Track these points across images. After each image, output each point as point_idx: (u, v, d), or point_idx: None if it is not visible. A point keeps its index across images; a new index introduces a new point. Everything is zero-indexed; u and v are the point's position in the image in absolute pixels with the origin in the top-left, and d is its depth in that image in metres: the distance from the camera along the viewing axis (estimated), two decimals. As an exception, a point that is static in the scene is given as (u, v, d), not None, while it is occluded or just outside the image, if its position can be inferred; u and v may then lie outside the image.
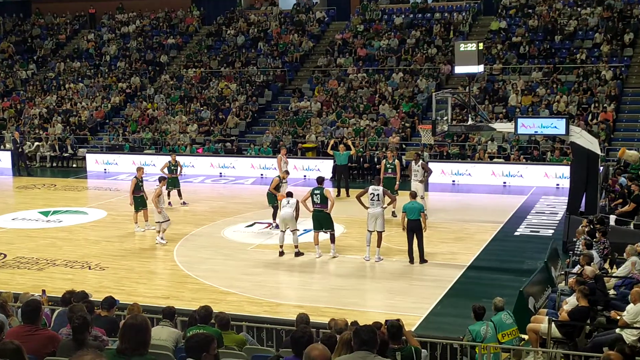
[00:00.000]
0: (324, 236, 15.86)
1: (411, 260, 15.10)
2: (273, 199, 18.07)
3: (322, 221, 15.53)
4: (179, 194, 21.65)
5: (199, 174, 27.14)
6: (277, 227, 17.45)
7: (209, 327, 8.16)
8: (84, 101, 35.09)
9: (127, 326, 5.29)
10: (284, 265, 15.49)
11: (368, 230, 15.39)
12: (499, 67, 30.48)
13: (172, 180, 21.36)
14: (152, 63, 37.17)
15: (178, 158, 22.64)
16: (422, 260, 15.10)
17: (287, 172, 19.63)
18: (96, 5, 41.81)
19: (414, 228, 14.88)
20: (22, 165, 29.10)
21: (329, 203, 15.45)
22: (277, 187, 18.04)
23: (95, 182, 27.38)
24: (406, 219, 14.86)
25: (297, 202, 15.85)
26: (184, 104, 33.20)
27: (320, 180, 15.94)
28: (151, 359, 5.23)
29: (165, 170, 21.33)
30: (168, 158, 22.71)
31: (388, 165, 19.83)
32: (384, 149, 25.59)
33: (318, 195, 15.48)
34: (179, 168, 21.86)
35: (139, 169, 18.95)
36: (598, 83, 28.11)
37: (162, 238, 17.19)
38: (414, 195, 15.51)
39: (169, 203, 21.20)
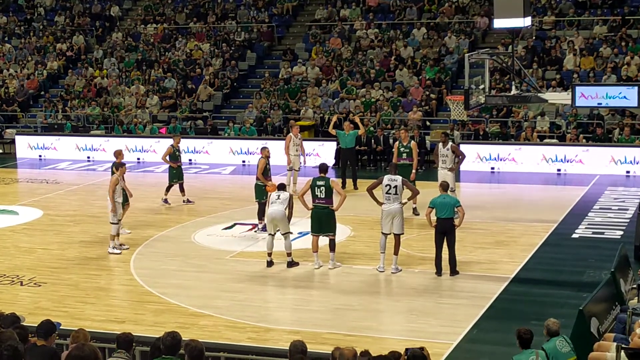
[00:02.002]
0: (324, 241, 15.85)
1: (439, 272, 15.13)
2: (262, 194, 17.94)
3: (324, 221, 15.52)
4: (181, 189, 21.29)
5: (162, 160, 27.00)
6: (264, 229, 17.45)
7: (176, 359, 8.18)
8: (12, 67, 35.01)
9: (71, 358, 5.30)
10: (273, 279, 15.50)
11: (382, 233, 15.41)
12: (551, 19, 30.41)
13: (176, 171, 21.17)
14: (100, 17, 37.06)
15: (165, 141, 21.72)
16: (454, 272, 15.13)
17: (261, 155, 18.38)
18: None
19: (446, 229, 14.91)
20: None
21: (339, 198, 15.44)
22: (265, 172, 17.97)
23: (27, 173, 27.34)
24: (435, 217, 14.89)
25: (291, 197, 15.84)
26: (142, 70, 33.15)
27: (324, 168, 15.94)
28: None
29: (168, 158, 21.14)
30: (169, 142, 22.34)
31: (402, 149, 19.77)
32: (401, 127, 25.56)
33: (322, 188, 15.45)
34: (182, 155, 21.73)
35: (119, 153, 18.53)
36: (680, 40, 28.17)
37: (119, 245, 17.12)
38: (445, 186, 15.51)
39: (186, 201, 21.22)
